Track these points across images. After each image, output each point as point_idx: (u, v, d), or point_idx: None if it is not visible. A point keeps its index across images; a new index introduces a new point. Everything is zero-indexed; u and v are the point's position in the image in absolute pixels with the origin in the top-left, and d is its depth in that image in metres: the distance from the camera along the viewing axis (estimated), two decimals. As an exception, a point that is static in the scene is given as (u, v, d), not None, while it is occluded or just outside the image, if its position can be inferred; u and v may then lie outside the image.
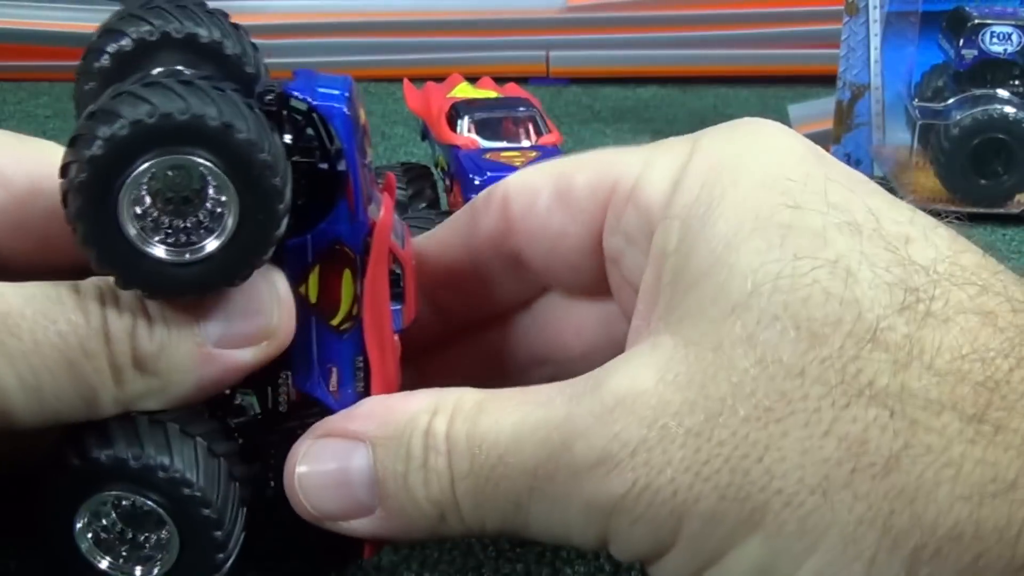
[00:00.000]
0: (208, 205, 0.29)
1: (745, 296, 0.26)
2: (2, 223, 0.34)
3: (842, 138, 0.78)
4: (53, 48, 1.09)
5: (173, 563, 0.32)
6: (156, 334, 0.31)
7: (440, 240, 0.36)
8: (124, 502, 0.32)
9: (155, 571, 0.32)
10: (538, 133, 0.59)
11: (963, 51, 0.72)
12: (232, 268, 0.30)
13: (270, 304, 0.31)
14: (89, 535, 0.32)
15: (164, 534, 0.32)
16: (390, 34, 1.10)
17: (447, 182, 0.60)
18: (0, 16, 1.10)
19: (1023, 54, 0.72)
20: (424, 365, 0.36)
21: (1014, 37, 0.71)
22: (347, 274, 0.32)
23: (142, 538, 0.33)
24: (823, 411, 0.24)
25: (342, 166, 0.31)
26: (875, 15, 0.76)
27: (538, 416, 0.28)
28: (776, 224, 0.26)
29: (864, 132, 0.78)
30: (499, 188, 0.35)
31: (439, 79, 0.67)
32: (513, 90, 0.66)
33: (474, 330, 0.38)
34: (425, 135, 0.65)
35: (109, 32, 0.32)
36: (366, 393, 0.33)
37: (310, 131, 0.31)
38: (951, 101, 0.73)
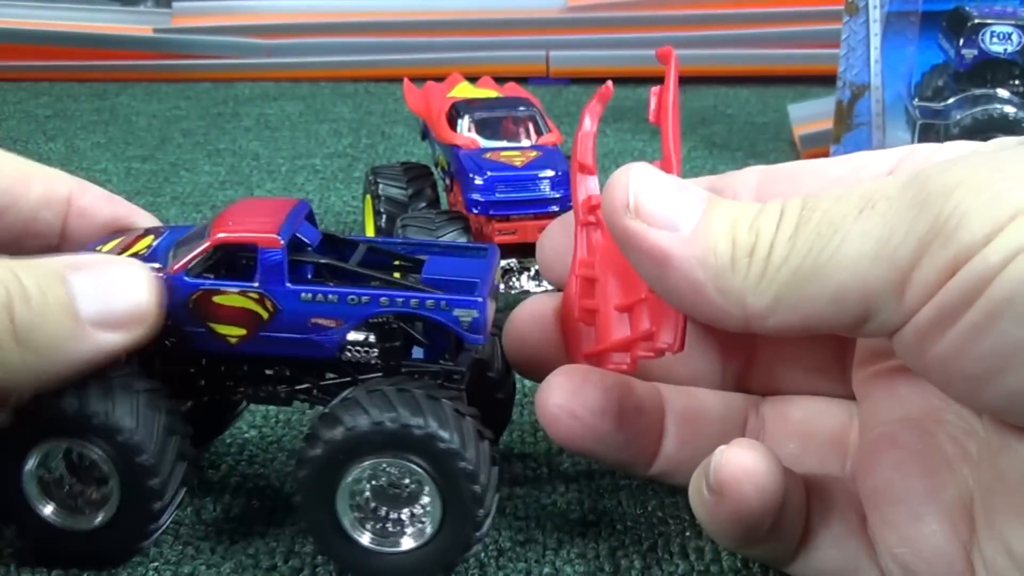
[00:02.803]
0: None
1: None
2: None
3: (842, 138, 0.78)
4: (53, 48, 1.09)
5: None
6: (34, 305, 0.32)
7: None
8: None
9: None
10: (538, 132, 0.59)
11: (963, 51, 0.72)
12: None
13: (144, 293, 0.34)
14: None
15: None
16: (390, 34, 1.10)
17: (447, 181, 0.60)
18: (0, 16, 1.10)
19: (1023, 54, 0.72)
20: None
21: (1014, 37, 0.71)
22: (219, 297, 0.35)
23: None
24: None
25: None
26: (875, 15, 0.76)
27: None
28: None
29: (864, 132, 0.78)
30: None
31: (439, 79, 0.67)
32: (513, 90, 0.66)
33: None
34: (425, 135, 0.65)
35: None
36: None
37: None
38: (951, 101, 0.73)
